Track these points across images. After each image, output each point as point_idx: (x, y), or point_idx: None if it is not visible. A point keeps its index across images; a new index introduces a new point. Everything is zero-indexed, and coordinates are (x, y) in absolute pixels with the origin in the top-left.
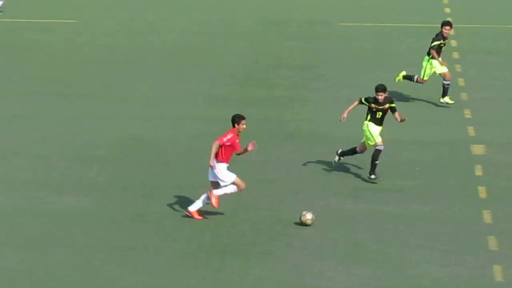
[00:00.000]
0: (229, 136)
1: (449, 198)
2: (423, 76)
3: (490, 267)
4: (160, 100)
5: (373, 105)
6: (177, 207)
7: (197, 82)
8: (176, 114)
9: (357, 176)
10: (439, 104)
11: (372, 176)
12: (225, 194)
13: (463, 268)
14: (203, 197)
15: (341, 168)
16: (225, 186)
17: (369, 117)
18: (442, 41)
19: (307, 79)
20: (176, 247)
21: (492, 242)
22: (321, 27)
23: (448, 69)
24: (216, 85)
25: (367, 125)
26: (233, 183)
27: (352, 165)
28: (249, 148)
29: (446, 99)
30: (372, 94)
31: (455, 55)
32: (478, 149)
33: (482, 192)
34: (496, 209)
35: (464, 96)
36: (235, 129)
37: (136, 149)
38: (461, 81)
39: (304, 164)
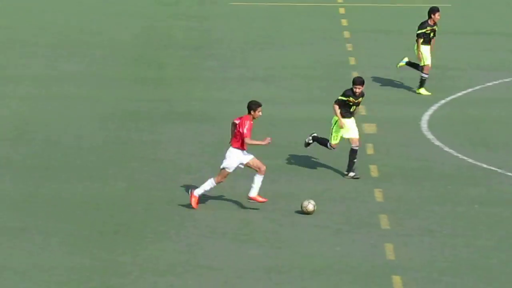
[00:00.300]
0: (247, 125)
1: (341, 177)
2: (424, 63)
3: (382, 246)
4: (50, 81)
5: (351, 99)
6: (68, 187)
7: (87, 62)
8: (67, 95)
9: (265, 155)
10: (332, 83)
11: (308, 139)
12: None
13: (356, 246)
14: (255, 179)
15: None
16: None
17: (340, 111)
18: (428, 29)
19: (198, 59)
20: (68, 228)
21: (384, 221)
22: (212, 7)
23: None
24: (107, 65)
25: (336, 123)
26: (214, 178)
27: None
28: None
29: (422, 90)
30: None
31: (346, 34)
32: (369, 128)
33: (373, 170)
34: (388, 187)
35: (355, 75)
36: (250, 115)
37: (27, 130)
38: (352, 60)
39: (196, 144)
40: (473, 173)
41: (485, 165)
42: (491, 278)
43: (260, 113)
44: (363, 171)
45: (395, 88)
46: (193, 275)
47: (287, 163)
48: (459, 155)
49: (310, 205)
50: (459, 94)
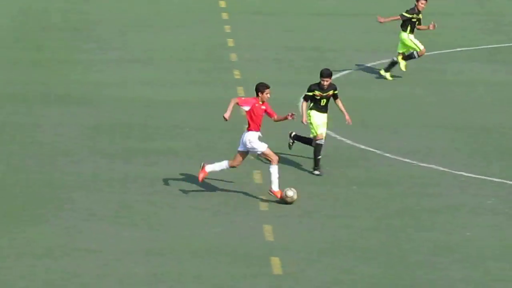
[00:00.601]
0: (247, 98)
1: (220, 159)
2: (419, 49)
3: (260, 227)
4: None
5: (317, 93)
6: None
7: None
8: None
9: (128, 137)
10: (211, 65)
11: (316, 172)
12: (215, 171)
13: (234, 228)
14: (271, 170)
15: (112, 130)
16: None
17: (311, 105)
18: (414, 15)
19: (77, 41)
20: None
21: (263, 203)
22: None
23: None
24: None
25: (310, 115)
26: (228, 161)
27: (123, 126)
28: (289, 117)
29: (387, 74)
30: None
31: (224, 16)
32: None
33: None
34: (266, 169)
35: (233, 57)
36: (258, 98)
37: None
38: (230, 42)
39: (74, 126)
40: (351, 154)
41: (363, 146)
42: (369, 258)
43: (268, 95)
44: None
45: (273, 70)
46: (71, 258)
47: (166, 145)
48: (337, 136)
49: (289, 192)
50: (337, 75)
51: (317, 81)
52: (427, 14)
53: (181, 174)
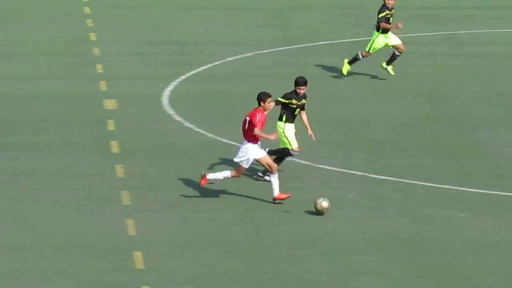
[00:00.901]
0: (258, 117)
1: (83, 153)
2: (369, 49)
3: (123, 222)
4: None
5: (294, 101)
6: None
7: None
8: None
9: (5, 132)
10: (73, 59)
11: (261, 174)
12: (218, 179)
13: (97, 223)
14: (272, 180)
15: None
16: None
17: (284, 117)
18: (388, 12)
19: None
20: None
21: (125, 197)
22: None
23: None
24: None
25: (283, 128)
26: (231, 171)
27: (2, 121)
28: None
29: (389, 68)
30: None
31: (86, 10)
32: (110, 104)
33: (114, 146)
34: (129, 163)
35: (96, 51)
36: (261, 107)
37: None
38: (93, 36)
39: None
40: (214, 148)
41: (225, 140)
42: (232, 252)
43: (271, 104)
44: (104, 147)
45: (136, 64)
46: None
47: (28, 139)
48: (199, 130)
49: (324, 202)
50: (200, 69)
51: (291, 90)
52: (291, 7)
53: (44, 169)
